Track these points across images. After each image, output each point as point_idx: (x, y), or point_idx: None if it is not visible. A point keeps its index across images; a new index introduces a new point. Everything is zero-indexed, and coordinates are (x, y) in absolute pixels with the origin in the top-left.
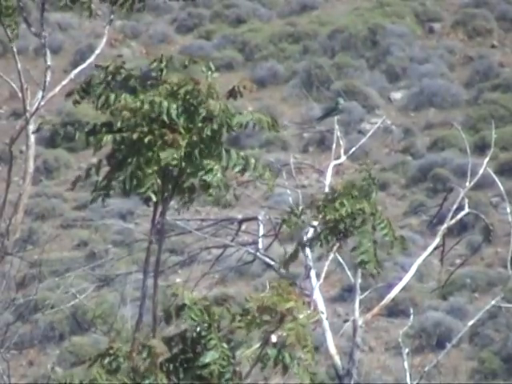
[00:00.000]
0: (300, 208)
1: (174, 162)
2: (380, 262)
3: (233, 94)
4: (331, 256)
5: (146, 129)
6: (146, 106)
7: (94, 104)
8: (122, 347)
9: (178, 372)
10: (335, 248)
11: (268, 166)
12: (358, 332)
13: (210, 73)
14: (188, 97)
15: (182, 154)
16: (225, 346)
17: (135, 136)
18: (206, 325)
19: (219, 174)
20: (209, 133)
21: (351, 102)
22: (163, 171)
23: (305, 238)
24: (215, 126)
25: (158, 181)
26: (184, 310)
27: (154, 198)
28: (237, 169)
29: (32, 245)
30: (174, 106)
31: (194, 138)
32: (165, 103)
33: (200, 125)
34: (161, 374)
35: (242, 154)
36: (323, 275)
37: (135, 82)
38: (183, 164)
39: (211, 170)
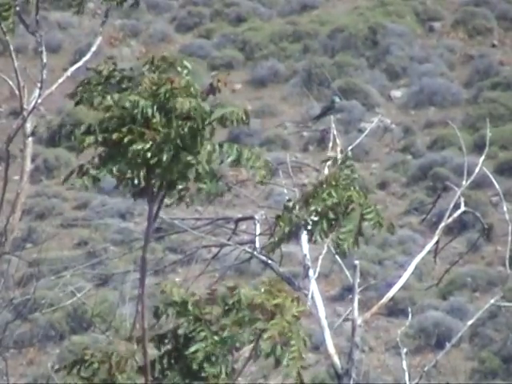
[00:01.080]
0: (292, 203)
1: (144, 152)
2: (357, 243)
3: (211, 90)
4: (326, 247)
5: (125, 129)
6: (123, 105)
7: (89, 104)
8: (96, 352)
9: (173, 369)
10: (329, 240)
11: (264, 158)
12: (357, 331)
13: (186, 71)
14: (167, 95)
15: (151, 145)
16: (216, 338)
17: (115, 136)
18: (191, 318)
19: (205, 158)
20: (186, 130)
21: (351, 100)
22: (149, 168)
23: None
24: (194, 124)
25: (142, 172)
26: (172, 306)
27: (137, 181)
28: (230, 158)
29: (32, 244)
30: (149, 103)
31: (171, 134)
32: (141, 102)
33: (179, 122)
34: (134, 375)
35: (235, 145)
36: (319, 264)
37: (128, 83)
38: (164, 159)
39: (198, 156)
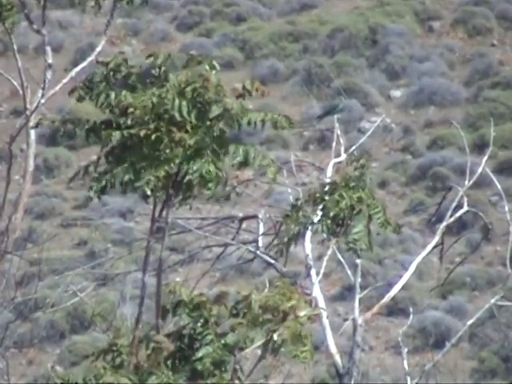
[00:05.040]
0: (299, 203)
1: (207, 171)
2: (372, 244)
3: (243, 93)
4: (331, 247)
5: (152, 126)
6: (155, 100)
7: (94, 102)
8: (124, 344)
9: (178, 369)
10: (334, 240)
11: (269, 157)
12: (358, 331)
13: (214, 71)
14: (195, 94)
15: (211, 162)
16: (222, 341)
17: (142, 133)
18: (202, 321)
19: (211, 167)
20: (218, 132)
21: (351, 100)
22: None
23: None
24: (227, 124)
25: (157, 176)
26: (180, 306)
27: (149, 192)
28: (237, 159)
29: (32, 243)
30: (185, 103)
31: (204, 136)
32: (177, 101)
33: (208, 123)
34: (167, 371)
35: (241, 146)
36: (324, 265)
37: (135, 80)
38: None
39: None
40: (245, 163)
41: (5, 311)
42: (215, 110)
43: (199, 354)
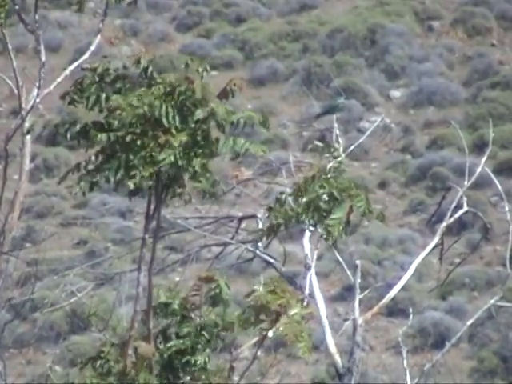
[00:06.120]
0: (284, 196)
1: (172, 162)
2: (344, 232)
3: (225, 93)
4: (319, 242)
5: (138, 130)
6: (146, 108)
7: (85, 104)
8: (112, 350)
9: (166, 368)
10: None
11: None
12: (358, 331)
13: (205, 73)
14: (182, 97)
15: (180, 154)
16: (204, 334)
17: (128, 138)
18: (179, 318)
19: (176, 156)
20: (203, 133)
21: (350, 100)
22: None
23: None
24: (208, 126)
25: (145, 173)
26: (159, 308)
27: (132, 186)
28: (224, 150)
29: (31, 243)
30: (170, 108)
31: (187, 138)
32: (164, 106)
33: (193, 126)
34: (149, 376)
35: (231, 138)
36: (315, 257)
37: (122, 83)
38: (179, 162)
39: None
40: (234, 151)
41: (2, 311)
42: (199, 114)
43: (168, 345)
